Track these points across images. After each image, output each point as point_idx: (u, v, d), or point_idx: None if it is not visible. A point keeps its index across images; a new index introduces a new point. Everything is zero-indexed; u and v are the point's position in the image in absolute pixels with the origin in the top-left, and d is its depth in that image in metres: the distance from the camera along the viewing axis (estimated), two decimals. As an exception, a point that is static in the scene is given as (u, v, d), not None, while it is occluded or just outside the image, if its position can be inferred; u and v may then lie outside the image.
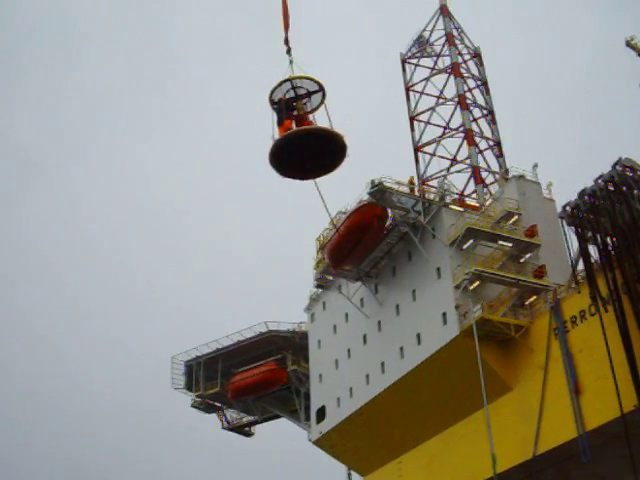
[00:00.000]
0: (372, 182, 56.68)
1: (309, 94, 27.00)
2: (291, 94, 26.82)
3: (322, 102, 27.04)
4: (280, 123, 25.87)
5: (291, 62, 27.52)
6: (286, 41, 28.15)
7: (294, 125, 25.97)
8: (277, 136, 25.55)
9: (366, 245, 60.09)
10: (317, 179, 27.00)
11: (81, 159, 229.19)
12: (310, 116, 26.79)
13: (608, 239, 46.05)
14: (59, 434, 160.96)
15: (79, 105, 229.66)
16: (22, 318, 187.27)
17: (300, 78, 26.88)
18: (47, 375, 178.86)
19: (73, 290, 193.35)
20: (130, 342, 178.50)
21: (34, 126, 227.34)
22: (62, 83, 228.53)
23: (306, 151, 25.46)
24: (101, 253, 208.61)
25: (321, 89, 26.96)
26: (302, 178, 26.86)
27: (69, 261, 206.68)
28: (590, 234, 46.94)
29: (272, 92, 26.58)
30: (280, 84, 26.52)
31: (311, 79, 26.90)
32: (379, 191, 56.55)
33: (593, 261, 46.80)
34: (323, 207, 29.09)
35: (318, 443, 67.63)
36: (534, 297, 54.07)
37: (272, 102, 26.62)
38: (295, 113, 26.42)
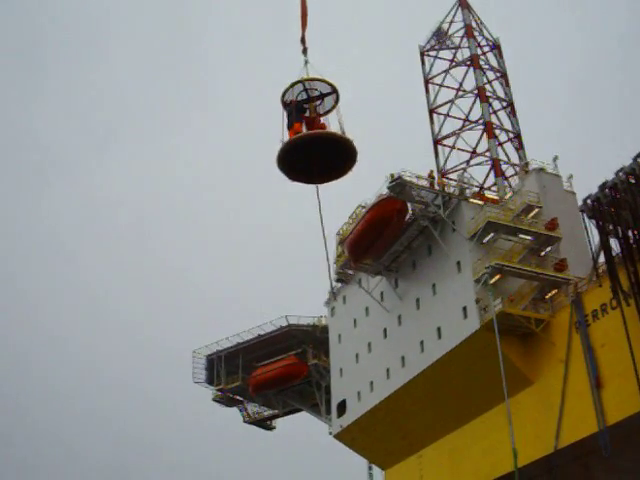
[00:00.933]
0: (392, 176, 56.55)
1: (322, 96, 26.11)
2: (303, 96, 25.96)
3: (335, 105, 26.10)
4: (290, 126, 25.07)
5: (306, 62, 26.50)
6: (302, 40, 27.14)
7: (304, 128, 25.16)
8: (287, 139, 24.83)
9: (386, 239, 60.10)
10: (326, 184, 26.11)
11: (102, 154, 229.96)
12: (323, 118, 25.93)
13: (629, 232, 45.70)
14: (80, 429, 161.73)
15: (100, 100, 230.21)
16: (41, 311, 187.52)
17: (312, 80, 25.91)
18: (65, 369, 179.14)
19: (94, 283, 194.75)
20: (151, 336, 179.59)
21: (55, 121, 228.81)
22: (83, 77, 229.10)
23: (316, 155, 24.68)
24: (122, 246, 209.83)
25: (334, 91, 25.98)
26: (312, 182, 26.00)
27: (90, 254, 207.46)
28: (611, 227, 46.60)
29: (284, 94, 25.71)
30: (292, 85, 25.67)
31: (324, 81, 25.90)
32: (399, 185, 56.39)
33: (614, 254, 46.46)
34: (324, 211, 27.26)
35: (339, 437, 67.78)
36: (555, 291, 53.77)
37: (284, 104, 25.78)
38: (307, 115, 25.60)
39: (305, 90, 25.92)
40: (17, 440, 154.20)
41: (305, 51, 26.91)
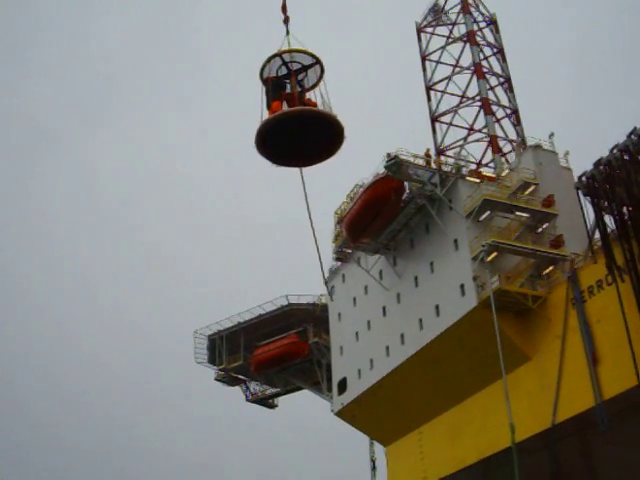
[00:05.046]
0: (388, 155, 56.64)
1: (304, 69, 23.81)
2: (284, 71, 23.77)
3: (320, 78, 23.79)
4: (269, 105, 22.91)
5: (287, 33, 24.31)
6: (283, 8, 25.07)
7: (285, 106, 22.89)
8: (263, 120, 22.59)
9: (384, 218, 60.39)
10: (313, 165, 23.88)
11: (95, 129, 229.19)
12: (310, 94, 23.69)
13: (624, 209, 45.89)
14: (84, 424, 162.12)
15: (93, 74, 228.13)
16: (36, 300, 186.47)
17: (291, 52, 23.61)
18: (63, 359, 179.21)
19: (88, 266, 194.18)
20: (151, 318, 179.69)
21: (46, 95, 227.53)
22: (75, 50, 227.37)
23: (300, 135, 22.55)
24: (117, 227, 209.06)
25: (317, 62, 23.69)
26: (298, 165, 23.87)
27: (84, 236, 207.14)
28: (606, 204, 46.77)
29: (262, 70, 23.52)
30: (269, 60, 23.42)
31: (303, 52, 23.64)
32: (395, 164, 56.48)
33: (609, 231, 46.69)
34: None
35: (340, 414, 68.41)
36: (551, 267, 54.05)
37: (264, 81, 23.55)
38: (288, 92, 23.33)
39: (285, 64, 23.69)
40: (16, 436, 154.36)
41: (286, 20, 24.73)
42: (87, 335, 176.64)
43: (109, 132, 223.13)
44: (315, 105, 23.26)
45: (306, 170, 24.49)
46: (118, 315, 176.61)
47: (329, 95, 23.55)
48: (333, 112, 22.85)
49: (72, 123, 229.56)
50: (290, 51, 23.63)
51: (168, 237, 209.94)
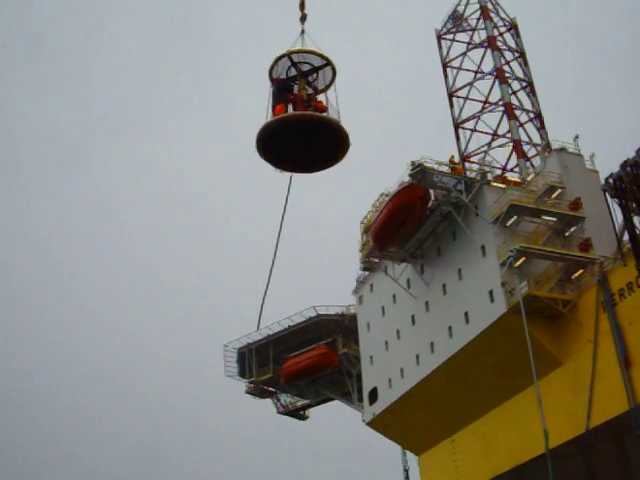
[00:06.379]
0: (412, 163, 56.61)
1: (314, 70, 22.84)
2: (294, 72, 22.87)
3: (332, 81, 22.85)
4: (273, 107, 22.07)
5: (302, 32, 23.38)
6: (302, 5, 24.13)
7: (290, 109, 22.02)
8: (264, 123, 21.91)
9: (410, 226, 60.22)
10: (317, 172, 23.07)
11: (110, 145, 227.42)
12: (322, 96, 22.78)
13: (653, 209, 45.41)
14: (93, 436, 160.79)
15: (108, 90, 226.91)
16: (52, 315, 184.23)
17: (299, 52, 22.67)
18: (85, 379, 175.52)
19: (108, 285, 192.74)
20: (176, 335, 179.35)
21: (62, 111, 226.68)
22: (89, 65, 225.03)
23: (304, 139, 21.75)
24: (138, 244, 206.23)
25: (329, 64, 22.70)
26: (302, 171, 23.03)
27: (103, 252, 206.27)
28: (634, 205, 46.29)
29: (271, 70, 22.61)
30: (277, 60, 22.55)
31: (313, 52, 22.65)
32: (420, 172, 56.40)
33: (638, 232, 46.19)
34: (288, 202, 23.74)
35: (372, 424, 68.20)
36: (581, 271, 53.62)
37: (273, 81, 22.69)
38: (295, 94, 22.52)
39: (294, 65, 22.70)
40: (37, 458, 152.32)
41: (304, 18, 23.69)
42: (110, 356, 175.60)
43: (122, 148, 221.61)
44: (324, 108, 22.53)
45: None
46: (148, 339, 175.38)
47: (341, 98, 22.82)
48: (338, 117, 22.13)
49: (86, 140, 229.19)
50: (299, 51, 22.87)
51: (190, 254, 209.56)
